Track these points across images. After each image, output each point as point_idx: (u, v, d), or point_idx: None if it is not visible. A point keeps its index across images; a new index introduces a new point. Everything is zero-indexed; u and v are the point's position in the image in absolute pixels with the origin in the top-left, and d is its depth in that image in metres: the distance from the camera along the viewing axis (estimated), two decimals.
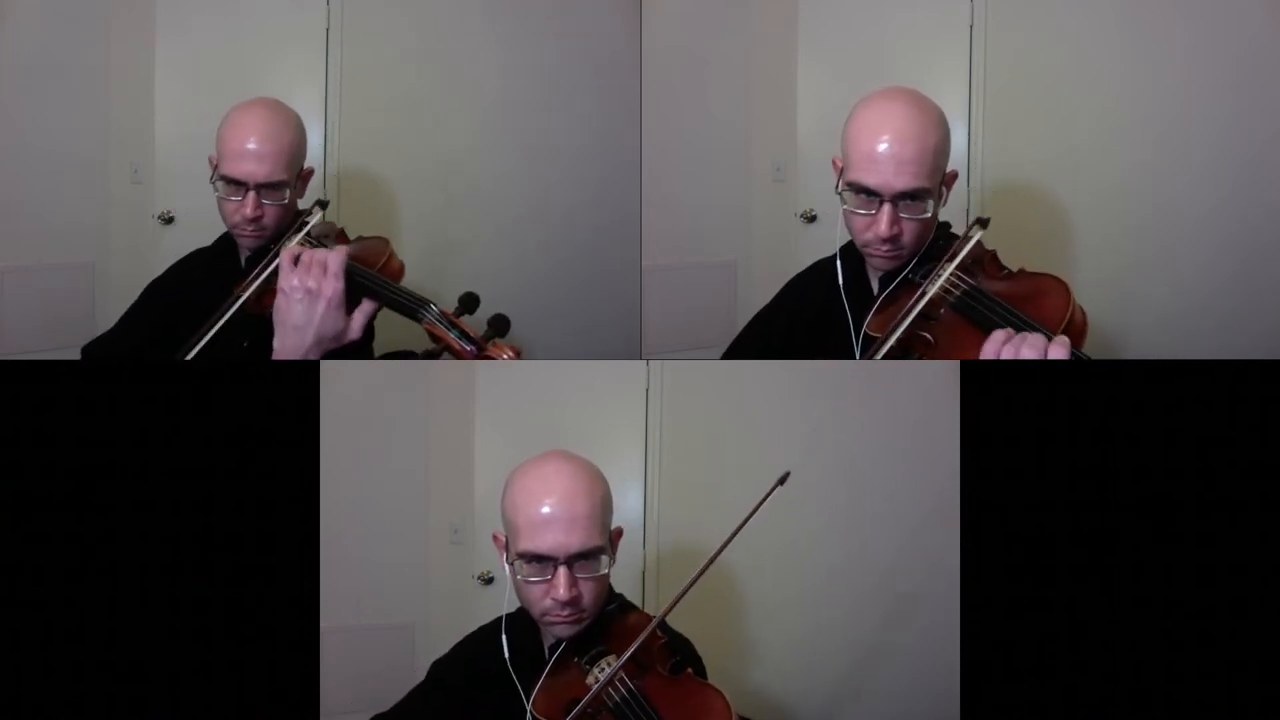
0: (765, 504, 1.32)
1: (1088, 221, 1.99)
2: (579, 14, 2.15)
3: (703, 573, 1.28)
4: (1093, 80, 1.98)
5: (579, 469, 1.33)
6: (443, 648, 1.51)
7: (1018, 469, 1.42)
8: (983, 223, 1.40)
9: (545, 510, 1.28)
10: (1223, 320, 1.91)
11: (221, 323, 1.51)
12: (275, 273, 1.48)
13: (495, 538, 1.37)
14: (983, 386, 1.43)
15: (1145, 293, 1.97)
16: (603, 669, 1.27)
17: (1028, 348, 1.24)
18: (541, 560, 1.28)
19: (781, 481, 1.32)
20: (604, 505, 1.32)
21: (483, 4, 2.16)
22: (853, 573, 1.98)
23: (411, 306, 1.47)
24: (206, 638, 1.39)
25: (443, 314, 1.46)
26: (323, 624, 1.46)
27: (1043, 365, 1.27)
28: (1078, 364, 1.26)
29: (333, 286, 1.44)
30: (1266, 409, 1.38)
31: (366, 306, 1.47)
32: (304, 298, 1.43)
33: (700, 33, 2.19)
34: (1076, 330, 1.30)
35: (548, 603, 1.29)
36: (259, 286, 1.51)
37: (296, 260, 1.46)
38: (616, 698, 1.25)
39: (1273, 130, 1.88)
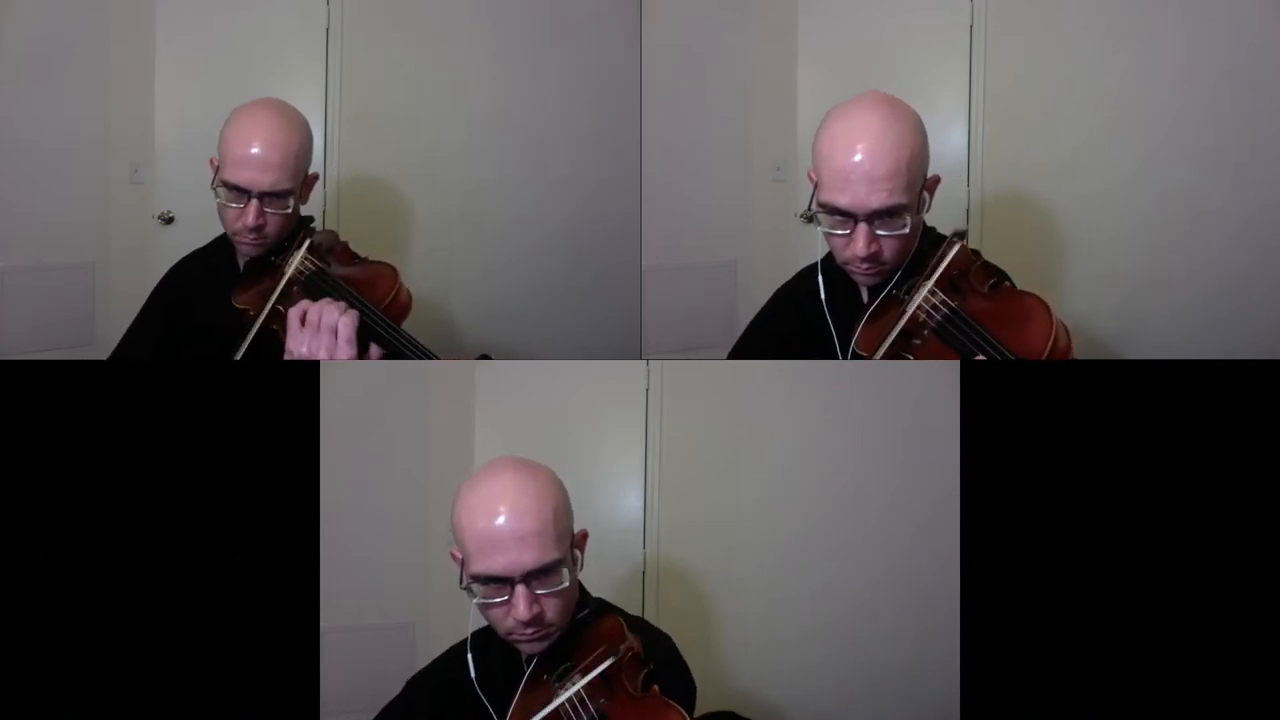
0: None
1: (1088, 222, 1.99)
2: (579, 14, 2.15)
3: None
4: (1092, 81, 1.98)
5: (526, 481, 1.25)
6: (441, 647, 1.51)
7: (1018, 469, 1.42)
8: (960, 235, 1.34)
9: (494, 529, 1.21)
10: (1223, 320, 1.91)
11: (245, 347, 1.48)
12: (282, 295, 1.46)
13: (453, 555, 1.28)
14: (983, 386, 1.43)
15: (1146, 293, 1.97)
16: (568, 687, 1.21)
17: None
18: (497, 581, 1.21)
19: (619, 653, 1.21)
20: (558, 516, 1.24)
21: (483, 5, 2.16)
22: (853, 573, 1.98)
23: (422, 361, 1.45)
24: (207, 637, 1.39)
25: None
26: (323, 624, 1.46)
27: (1042, 365, 1.27)
28: (1077, 364, 1.26)
29: (345, 355, 1.40)
30: (1266, 409, 1.39)
31: (376, 351, 1.45)
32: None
33: (700, 33, 2.19)
34: (1059, 353, 1.27)
35: (510, 623, 1.22)
36: (267, 316, 1.49)
37: (304, 318, 1.42)
38: (589, 716, 1.20)
39: (1272, 132, 1.89)
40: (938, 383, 1.77)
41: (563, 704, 1.19)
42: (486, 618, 1.27)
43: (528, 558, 1.20)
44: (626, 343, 2.12)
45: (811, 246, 1.57)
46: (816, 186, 1.36)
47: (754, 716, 1.59)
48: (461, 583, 1.25)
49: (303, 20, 2.11)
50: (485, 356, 1.48)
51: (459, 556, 1.27)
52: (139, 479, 1.39)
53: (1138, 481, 1.39)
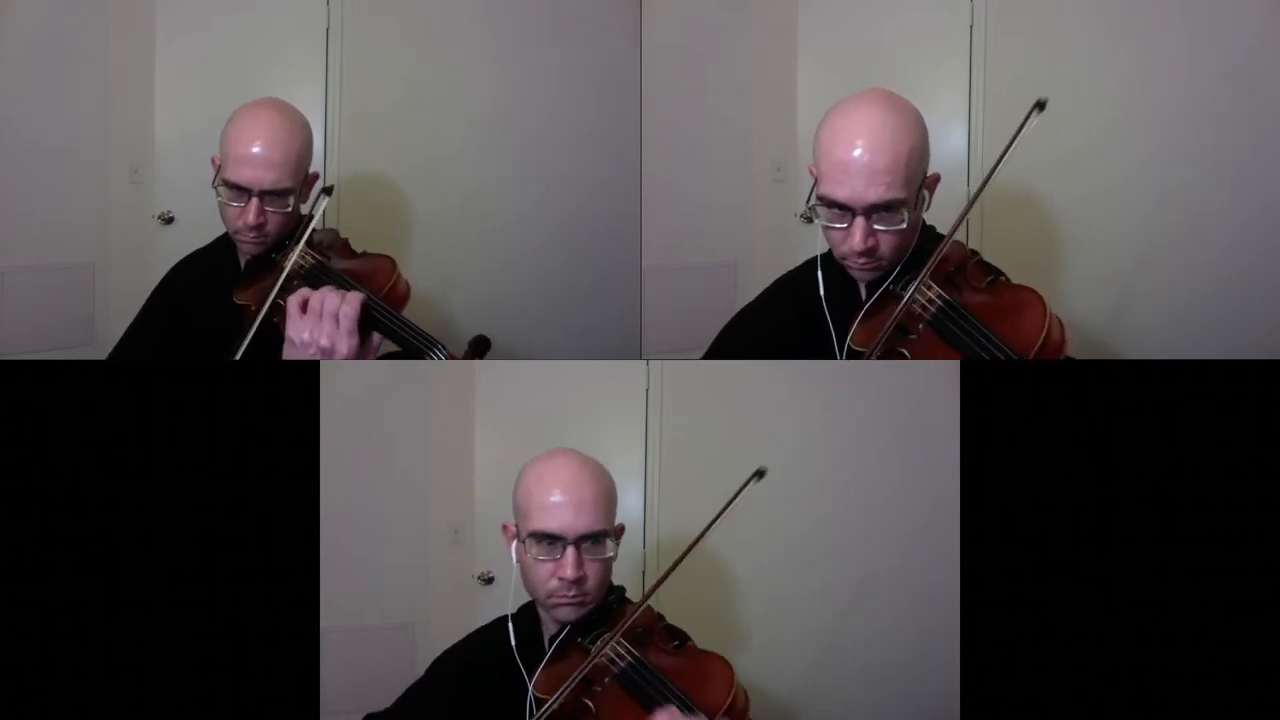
0: (741, 498, 1.37)
1: (1088, 222, 1.99)
2: (579, 14, 2.15)
3: (679, 561, 1.36)
4: (1092, 81, 1.98)
5: (586, 461, 1.41)
6: (441, 647, 1.51)
7: (1018, 469, 1.42)
8: (1041, 105, 1.34)
9: (556, 494, 1.35)
10: (1223, 320, 1.91)
11: (246, 343, 1.48)
12: (283, 289, 1.47)
13: (505, 527, 1.42)
14: (983, 386, 1.43)
15: (1146, 293, 1.97)
16: (605, 644, 1.32)
17: None
18: (551, 540, 1.34)
19: (758, 476, 1.36)
20: (609, 496, 1.39)
21: (483, 5, 2.16)
22: (852, 573, 1.98)
23: (419, 347, 1.45)
24: (207, 637, 1.39)
25: (450, 357, 1.45)
26: (323, 624, 1.46)
27: (1042, 365, 1.27)
28: (1077, 364, 1.26)
29: (347, 343, 1.42)
30: (1266, 409, 1.39)
31: (376, 340, 1.46)
32: (316, 354, 1.42)
33: (700, 33, 2.19)
34: (1053, 345, 1.28)
35: (554, 583, 1.34)
36: (269, 310, 1.49)
37: (305, 305, 1.43)
38: (622, 665, 1.31)
39: (1272, 132, 1.88)
40: (938, 383, 1.77)
41: (604, 655, 1.30)
42: (530, 580, 1.38)
43: (582, 522, 1.35)
44: (626, 343, 2.12)
45: (812, 247, 1.57)
46: (816, 181, 1.37)
47: (754, 716, 1.59)
48: (520, 537, 1.38)
49: (303, 20, 2.11)
50: (481, 338, 1.48)
51: (511, 529, 1.41)
52: (139, 479, 1.39)
53: (1138, 481, 1.39)
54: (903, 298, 1.35)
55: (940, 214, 1.46)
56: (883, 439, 1.99)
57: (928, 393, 1.88)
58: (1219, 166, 1.91)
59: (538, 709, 1.30)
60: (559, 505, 1.35)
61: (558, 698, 1.28)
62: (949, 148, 2.04)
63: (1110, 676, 1.38)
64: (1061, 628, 1.40)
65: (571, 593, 1.34)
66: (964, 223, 1.35)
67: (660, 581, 1.34)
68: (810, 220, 1.42)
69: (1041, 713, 1.40)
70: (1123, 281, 1.98)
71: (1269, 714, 1.36)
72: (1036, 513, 1.41)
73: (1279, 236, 1.89)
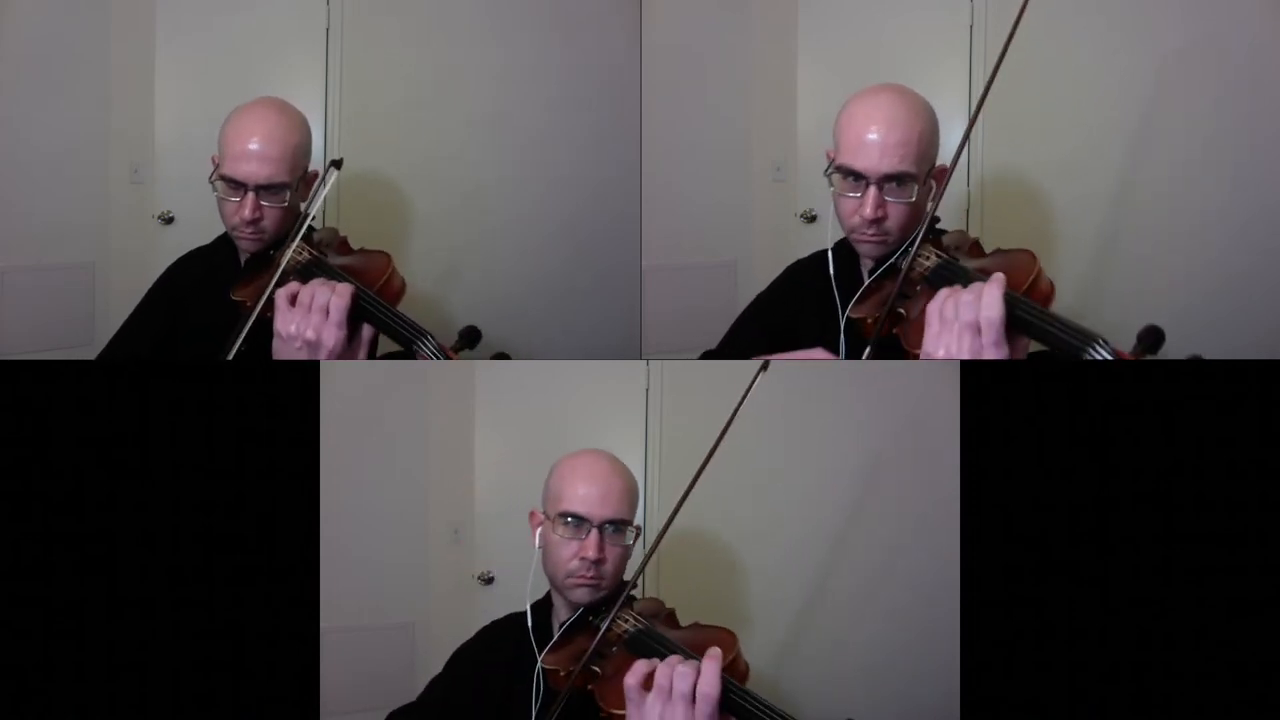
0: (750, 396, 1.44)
1: (1088, 221, 1.99)
2: (579, 14, 2.15)
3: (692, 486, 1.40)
4: (1093, 81, 1.98)
5: (616, 460, 1.52)
6: (442, 647, 1.52)
7: (1018, 469, 1.42)
8: None
9: (587, 482, 1.46)
10: (1223, 320, 1.91)
11: (240, 340, 1.48)
12: (279, 284, 1.47)
13: (532, 514, 1.50)
14: (982, 386, 1.43)
15: (1146, 293, 1.97)
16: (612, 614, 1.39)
17: (966, 295, 1.28)
18: (579, 522, 1.43)
19: (764, 368, 1.43)
20: (634, 493, 1.50)
21: (483, 5, 2.16)
22: (852, 573, 1.98)
23: (409, 337, 1.45)
24: (207, 637, 1.39)
25: (440, 348, 1.45)
26: (323, 624, 1.46)
27: (1042, 365, 1.27)
28: (1077, 364, 1.26)
29: (334, 336, 1.43)
30: (1266, 409, 1.38)
31: (366, 333, 1.47)
32: (303, 347, 1.42)
33: (700, 33, 2.19)
34: (1042, 292, 1.34)
35: (575, 563, 1.42)
36: (264, 306, 1.48)
37: (294, 299, 1.43)
38: (632, 631, 1.36)
39: (1272, 132, 1.88)
40: (938, 383, 1.77)
41: (613, 625, 1.36)
42: (552, 562, 1.45)
43: (608, 509, 1.44)
44: (626, 343, 2.12)
45: (811, 246, 1.58)
46: (833, 160, 1.48)
47: None
48: (549, 517, 1.47)
49: (303, 20, 2.11)
50: (471, 328, 1.50)
51: (539, 515, 1.49)
52: (139, 479, 1.39)
53: (1138, 481, 1.39)
54: (902, 265, 1.43)
55: (939, 212, 1.47)
56: (883, 439, 1.99)
57: (928, 393, 1.89)
58: (1219, 166, 1.91)
59: (546, 679, 1.37)
60: (588, 492, 1.44)
61: (577, 669, 1.32)
62: (949, 148, 2.03)
63: (1110, 676, 1.38)
64: (1061, 628, 1.40)
65: (590, 573, 1.42)
66: (965, 217, 1.36)
67: (678, 506, 1.39)
68: (811, 220, 1.45)
69: (1041, 713, 1.40)
70: (1122, 281, 1.98)
71: (1269, 714, 1.36)
72: (1036, 513, 1.41)
73: (1279, 236, 1.89)
